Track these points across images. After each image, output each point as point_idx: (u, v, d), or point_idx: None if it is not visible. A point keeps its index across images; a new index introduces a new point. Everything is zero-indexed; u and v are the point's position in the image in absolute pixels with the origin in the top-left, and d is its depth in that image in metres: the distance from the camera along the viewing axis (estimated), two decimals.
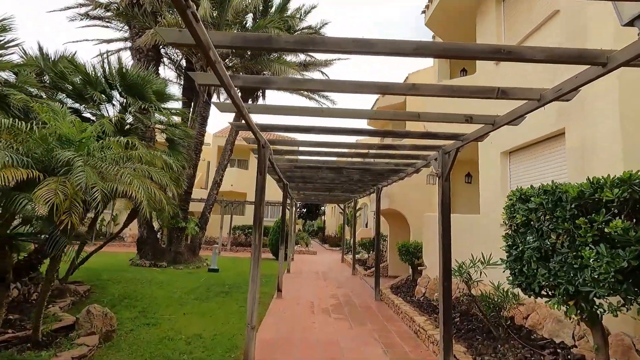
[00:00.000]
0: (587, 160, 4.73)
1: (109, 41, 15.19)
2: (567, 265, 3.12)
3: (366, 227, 28.57)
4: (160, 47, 14.36)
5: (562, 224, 3.18)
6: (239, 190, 23.25)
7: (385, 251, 13.41)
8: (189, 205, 13.38)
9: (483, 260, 4.97)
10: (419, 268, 8.23)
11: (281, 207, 9.66)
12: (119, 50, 15.20)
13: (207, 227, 22.94)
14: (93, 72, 7.37)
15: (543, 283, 3.43)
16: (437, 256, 7.58)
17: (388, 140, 13.88)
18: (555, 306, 3.26)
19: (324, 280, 12.05)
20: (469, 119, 3.63)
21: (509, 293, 4.84)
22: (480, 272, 5.06)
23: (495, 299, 4.93)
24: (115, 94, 7.37)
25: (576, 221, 3.05)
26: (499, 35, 7.51)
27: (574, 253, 3.04)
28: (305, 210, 30.81)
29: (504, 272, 4.10)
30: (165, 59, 15.78)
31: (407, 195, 10.36)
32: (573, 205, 3.13)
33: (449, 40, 9.60)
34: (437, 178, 4.95)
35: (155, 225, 13.07)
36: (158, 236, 13.36)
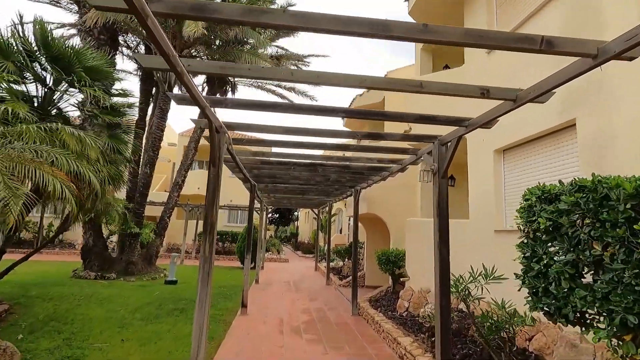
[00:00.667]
0: (604, 153, 4.03)
1: (62, 25, 13.56)
2: (622, 287, 2.30)
3: (340, 233, 27.74)
4: (119, 35, 12.94)
5: (612, 230, 2.37)
6: (204, 193, 21.74)
7: (362, 259, 12.54)
8: (145, 209, 11.93)
9: (486, 274, 4.14)
10: (401, 279, 7.41)
11: (249, 211, 8.57)
12: (72, 36, 13.61)
13: (170, 234, 21.35)
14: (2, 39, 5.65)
15: (582, 309, 2.60)
16: (422, 266, 6.76)
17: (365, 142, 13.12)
18: (605, 341, 2.43)
19: (295, 291, 10.99)
20: (485, 92, 2.78)
21: (521, 315, 4.02)
22: (482, 288, 4.23)
23: (499, 321, 4.11)
24: (38, 67, 5.98)
25: (634, 226, 2.25)
26: (490, 26, 6.87)
27: (636, 270, 2.23)
28: (277, 215, 29.58)
29: (520, 290, 3.26)
30: (124, 49, 14.34)
31: (388, 198, 9.56)
32: (628, 206, 2.33)
33: None
34: (432, 175, 4.10)
35: (105, 231, 11.53)
36: (107, 244, 11.79)
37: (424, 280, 7.17)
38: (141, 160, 11.63)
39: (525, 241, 3.27)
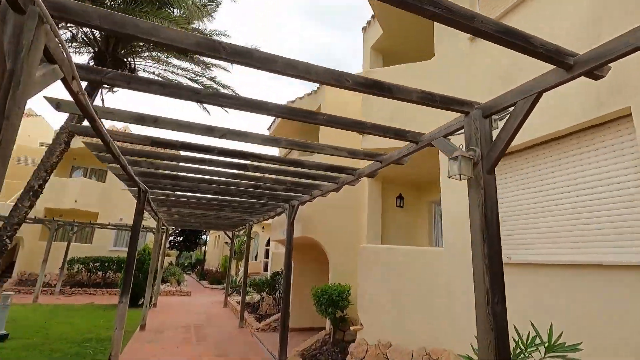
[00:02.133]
0: None
1: None
2: None
3: (256, 260, 24.87)
4: None
5: None
6: (87, 208, 17.13)
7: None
8: None
9: (550, 342, 2.39)
10: (352, 329, 5.45)
11: (133, 229, 5.68)
12: None
13: (29, 260, 16.03)
14: None
15: None
16: (382, 310, 5.00)
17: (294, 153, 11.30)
18: None
19: (197, 341, 8.12)
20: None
21: None
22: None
23: None
24: None
25: None
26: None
27: None
28: (181, 238, 25.37)
29: None
30: None
31: (329, 220, 7.66)
32: None
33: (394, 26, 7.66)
34: (470, 164, 2.29)
35: None
36: None
37: (384, 330, 5.29)
38: None
39: None
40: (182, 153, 4.29)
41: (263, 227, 23.07)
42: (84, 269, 15.81)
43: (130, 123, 3.97)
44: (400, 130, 3.05)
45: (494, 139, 2.34)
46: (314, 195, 5.76)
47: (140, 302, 11.63)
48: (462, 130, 2.56)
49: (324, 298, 6.31)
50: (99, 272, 15.94)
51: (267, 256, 21.82)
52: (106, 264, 15.89)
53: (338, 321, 6.52)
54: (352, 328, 5.53)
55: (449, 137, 2.78)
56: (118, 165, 4.15)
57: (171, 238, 26.02)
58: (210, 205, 7.93)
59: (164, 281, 17.41)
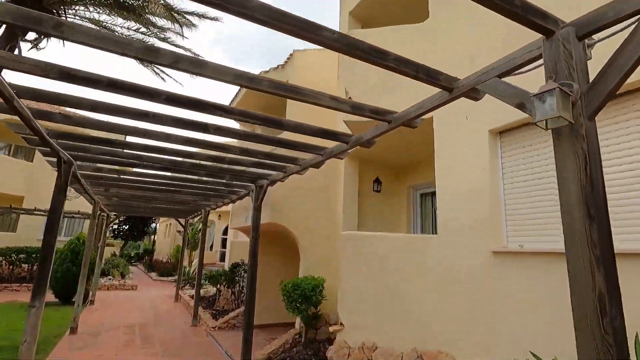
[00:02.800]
0: None
1: None
2: None
3: (211, 250, 23.33)
4: None
5: None
6: (10, 191, 14.68)
7: (243, 287, 9.22)
8: None
9: None
10: (331, 329, 4.63)
11: (51, 211, 4.33)
12: None
13: None
14: None
15: None
16: (366, 307, 4.32)
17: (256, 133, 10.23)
18: None
19: (142, 344, 6.92)
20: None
21: None
22: None
23: None
24: None
25: None
26: None
27: None
28: (127, 227, 23.10)
29: None
30: None
31: (300, 204, 6.73)
32: None
33: None
34: (568, 103, 1.50)
35: None
36: None
37: (368, 330, 4.55)
38: None
39: None
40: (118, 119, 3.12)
41: (220, 215, 21.59)
42: (4, 262, 13.53)
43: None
44: (432, 71, 2.20)
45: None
46: (289, 173, 4.81)
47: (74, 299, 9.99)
48: (535, 64, 1.77)
49: (295, 294, 5.44)
50: (24, 265, 13.75)
51: (223, 246, 20.44)
52: (33, 255, 13.72)
53: (311, 319, 5.70)
54: (330, 328, 4.73)
55: (503, 79, 1.98)
56: (19, 120, 2.90)
57: (115, 226, 23.60)
58: (158, 187, 6.66)
59: (104, 274, 15.54)
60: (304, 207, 6.60)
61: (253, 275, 5.44)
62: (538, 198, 3.72)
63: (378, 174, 7.42)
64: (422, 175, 7.01)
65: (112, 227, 24.11)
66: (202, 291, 11.21)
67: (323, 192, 6.84)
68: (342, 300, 4.78)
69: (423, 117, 2.79)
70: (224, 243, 20.40)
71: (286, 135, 6.97)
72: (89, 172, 5.45)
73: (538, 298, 3.35)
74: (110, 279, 15.20)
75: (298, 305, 5.36)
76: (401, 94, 4.71)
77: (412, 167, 7.26)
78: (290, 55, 10.53)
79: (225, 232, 20.55)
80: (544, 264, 3.37)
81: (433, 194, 7.03)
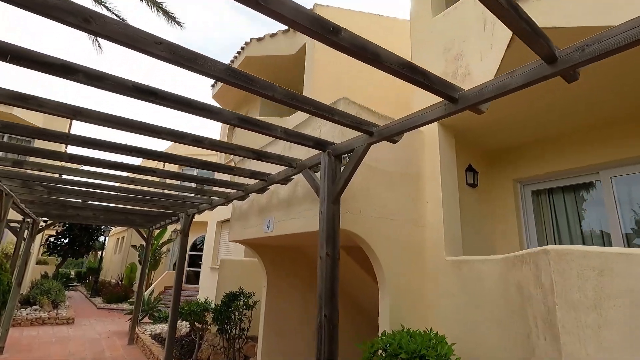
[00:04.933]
0: None
1: None
2: None
3: (173, 269, 19.54)
4: None
5: None
6: None
7: (247, 329, 6.22)
8: None
9: None
10: None
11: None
12: None
13: None
14: None
15: None
16: None
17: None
18: None
19: None
20: None
21: None
22: None
23: None
24: None
25: None
26: None
27: None
28: (66, 240, 18.72)
29: None
30: None
31: (378, 200, 3.92)
32: None
33: None
34: None
35: None
36: None
37: None
38: None
39: None
40: None
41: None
42: None
43: None
44: None
45: None
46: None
47: None
48: None
49: None
50: None
51: (192, 264, 16.84)
52: None
53: None
54: None
55: None
56: None
57: (52, 239, 19.14)
58: (112, 187, 3.73)
59: (29, 303, 11.65)
60: (383, 206, 3.83)
61: (332, 334, 2.66)
62: None
63: (469, 161, 4.97)
64: (534, 162, 4.70)
65: (48, 240, 19.50)
66: (160, 327, 7.86)
67: (407, 182, 4.18)
68: None
69: None
70: (192, 261, 16.87)
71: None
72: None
73: None
74: (36, 310, 11.30)
75: None
76: None
77: (516, 150, 4.95)
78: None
79: (194, 247, 17.06)
80: None
81: (554, 190, 4.70)
